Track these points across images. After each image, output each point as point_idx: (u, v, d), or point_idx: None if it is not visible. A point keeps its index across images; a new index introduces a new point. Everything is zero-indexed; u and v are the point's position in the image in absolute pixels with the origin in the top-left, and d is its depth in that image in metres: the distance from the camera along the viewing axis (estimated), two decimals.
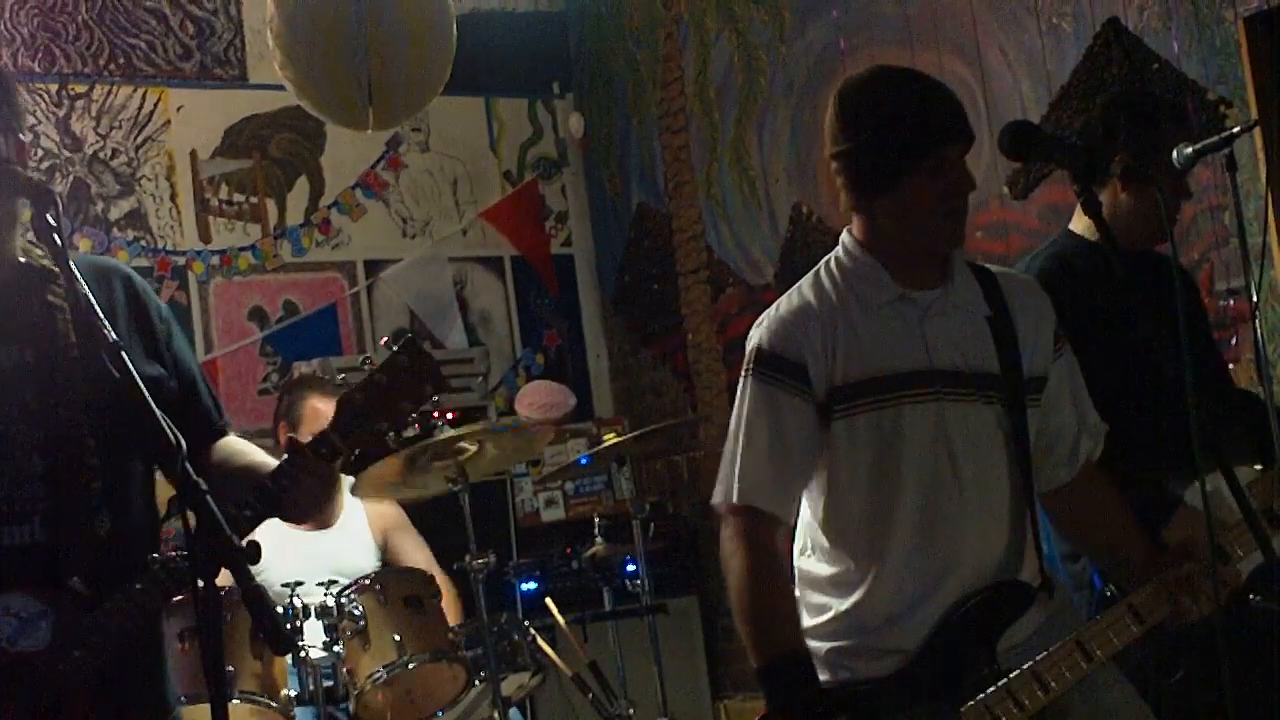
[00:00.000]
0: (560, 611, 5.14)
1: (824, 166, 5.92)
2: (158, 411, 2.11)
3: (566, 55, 7.81)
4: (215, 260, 6.81)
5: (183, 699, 3.91)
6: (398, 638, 4.28)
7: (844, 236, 2.87)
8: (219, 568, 2.05)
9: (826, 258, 2.89)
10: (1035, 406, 2.83)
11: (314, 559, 4.73)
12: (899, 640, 2.72)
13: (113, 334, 2.24)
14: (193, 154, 6.85)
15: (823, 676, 2.74)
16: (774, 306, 2.86)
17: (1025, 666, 2.66)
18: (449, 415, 4.77)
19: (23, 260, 2.52)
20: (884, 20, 5.53)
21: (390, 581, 4.44)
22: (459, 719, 4.45)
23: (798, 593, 2.87)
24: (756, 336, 2.84)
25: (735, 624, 2.78)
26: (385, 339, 4.65)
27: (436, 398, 2.54)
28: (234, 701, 4.03)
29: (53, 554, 2.36)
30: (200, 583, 2.03)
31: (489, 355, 7.19)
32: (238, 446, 2.74)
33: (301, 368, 6.46)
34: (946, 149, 2.73)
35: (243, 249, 6.89)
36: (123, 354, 2.19)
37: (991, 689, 2.65)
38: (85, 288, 2.23)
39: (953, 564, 2.73)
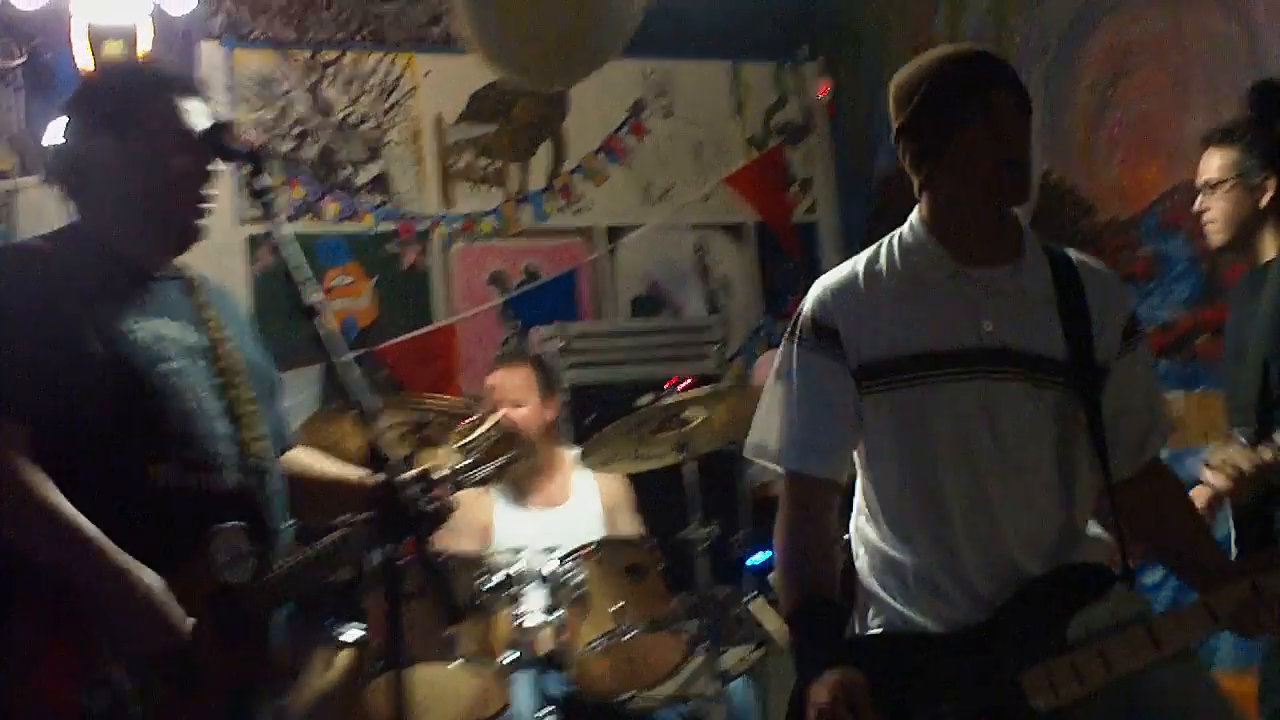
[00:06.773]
0: None
1: (1074, 132, 5.78)
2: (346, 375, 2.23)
3: (814, 18, 7.68)
4: (458, 225, 6.91)
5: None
6: (617, 606, 4.27)
7: (911, 215, 2.88)
8: (407, 535, 2.10)
9: (892, 233, 2.90)
10: (1100, 396, 2.76)
11: (543, 536, 4.75)
12: (955, 609, 2.69)
13: (316, 295, 2.34)
14: (438, 119, 6.96)
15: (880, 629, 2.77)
16: (824, 275, 2.91)
17: (1092, 645, 2.57)
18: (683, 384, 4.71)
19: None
20: None
21: (612, 550, 4.43)
22: (679, 689, 4.42)
23: (859, 549, 2.87)
24: (803, 303, 2.89)
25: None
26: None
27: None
28: (455, 663, 4.09)
29: (249, 500, 2.67)
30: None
31: (726, 324, 7.12)
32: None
33: (541, 331, 6.51)
34: (994, 94, 2.72)
35: (485, 214, 6.97)
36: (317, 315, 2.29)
37: (1055, 659, 2.57)
38: (296, 255, 2.41)
39: (1003, 541, 2.69)
